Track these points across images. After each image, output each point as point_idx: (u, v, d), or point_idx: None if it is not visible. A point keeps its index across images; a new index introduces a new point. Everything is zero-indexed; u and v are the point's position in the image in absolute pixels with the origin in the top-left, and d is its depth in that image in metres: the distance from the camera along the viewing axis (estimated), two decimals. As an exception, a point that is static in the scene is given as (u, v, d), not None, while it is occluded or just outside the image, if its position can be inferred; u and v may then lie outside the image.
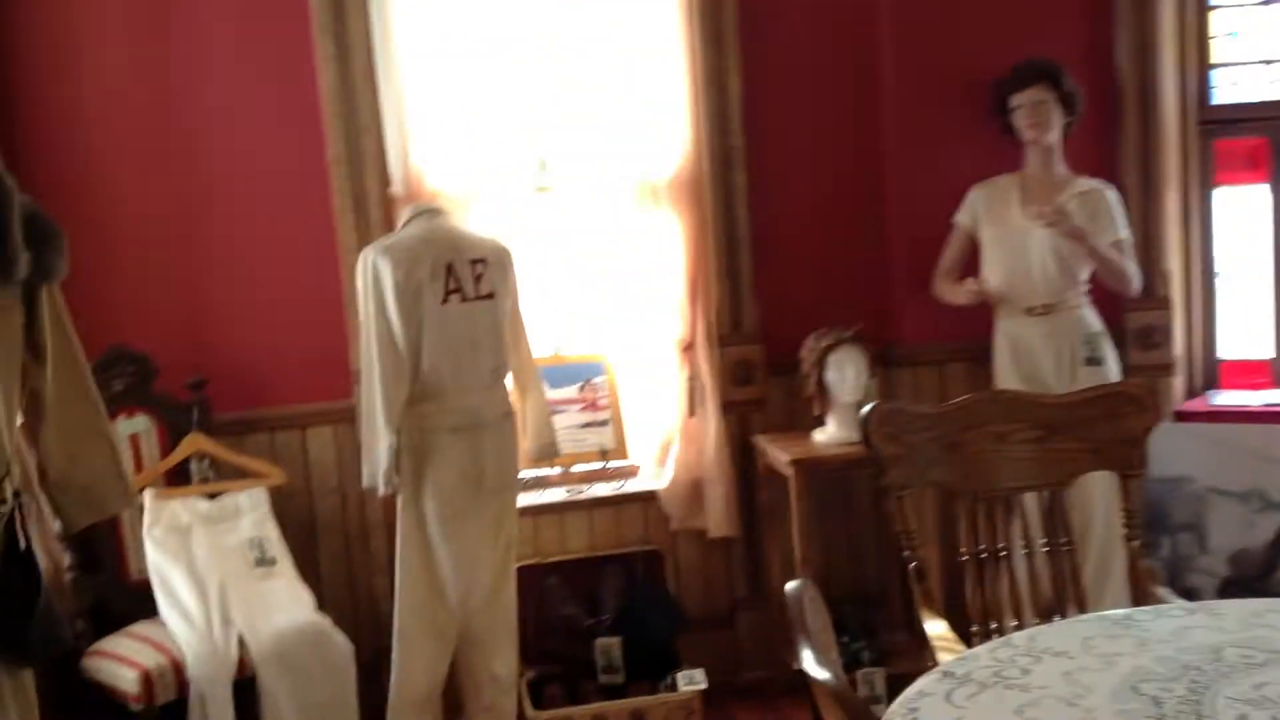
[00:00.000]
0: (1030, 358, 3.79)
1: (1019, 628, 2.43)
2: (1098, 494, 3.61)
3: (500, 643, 3.53)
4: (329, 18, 3.69)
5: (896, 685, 2.65)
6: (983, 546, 2.55)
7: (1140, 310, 4.07)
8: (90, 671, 3.26)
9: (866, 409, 2.54)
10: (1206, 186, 4.19)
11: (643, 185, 3.95)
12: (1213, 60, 4.18)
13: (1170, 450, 3.82)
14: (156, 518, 3.45)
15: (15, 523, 2.00)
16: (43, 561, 2.16)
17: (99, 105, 3.67)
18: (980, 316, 3.88)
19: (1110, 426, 2.58)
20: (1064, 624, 2.11)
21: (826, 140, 4.09)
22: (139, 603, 3.41)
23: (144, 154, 3.70)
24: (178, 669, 3.15)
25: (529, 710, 3.66)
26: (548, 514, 3.99)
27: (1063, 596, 2.57)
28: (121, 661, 3.18)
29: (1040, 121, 3.77)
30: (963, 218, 3.92)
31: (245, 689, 3.21)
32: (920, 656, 2.50)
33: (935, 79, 4.02)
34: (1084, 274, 3.80)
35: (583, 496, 4.02)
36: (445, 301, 3.34)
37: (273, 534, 3.56)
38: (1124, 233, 3.82)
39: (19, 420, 2.16)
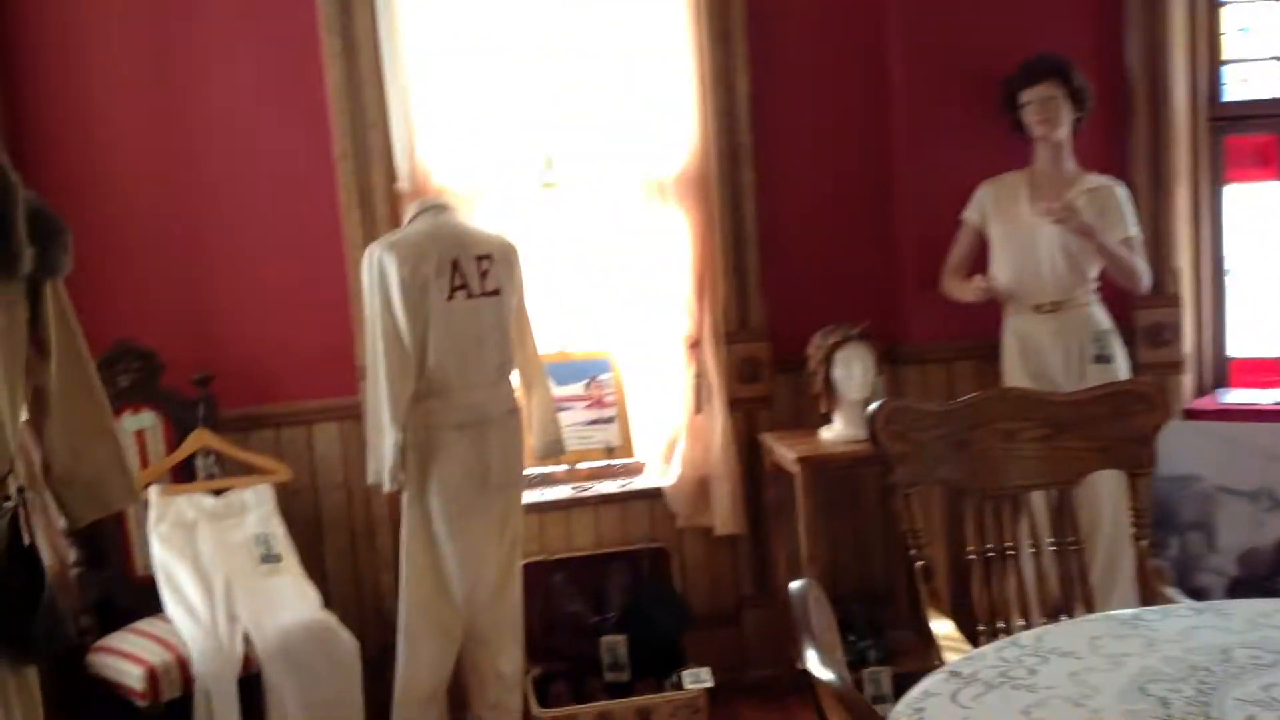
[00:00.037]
0: (1039, 355, 3.77)
1: (1026, 627, 2.42)
2: (1106, 493, 3.59)
3: (505, 640, 3.52)
4: (335, 14, 3.68)
5: (903, 684, 2.64)
6: (990, 545, 2.54)
7: (1150, 308, 4.05)
8: (96, 668, 3.26)
9: (873, 406, 2.52)
10: (1217, 183, 4.17)
11: (650, 182, 3.94)
12: (1223, 56, 4.15)
13: (1179, 449, 3.80)
14: (162, 514, 3.44)
15: (19, 519, 2.00)
16: (48, 557, 2.17)
17: (106, 101, 3.67)
18: (988, 314, 3.87)
19: (1119, 425, 2.56)
20: (1071, 624, 2.10)
21: (834, 137, 4.07)
22: (144, 599, 3.41)
23: (150, 150, 3.70)
24: (183, 665, 3.15)
25: (534, 708, 3.65)
26: (553, 511, 3.99)
27: (1070, 596, 2.56)
28: (127, 658, 3.18)
29: (1050, 118, 3.75)
30: (971, 214, 3.90)
31: (250, 686, 3.20)
32: (927, 655, 2.48)
33: (944, 75, 4.00)
34: (1093, 271, 3.78)
35: (588, 494, 4.01)
36: (451, 298, 3.33)
37: (278, 530, 3.56)
38: (1133, 230, 3.80)
39: (24, 416, 2.16)
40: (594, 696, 3.75)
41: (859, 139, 4.08)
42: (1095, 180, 3.82)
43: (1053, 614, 2.54)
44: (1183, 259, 4.12)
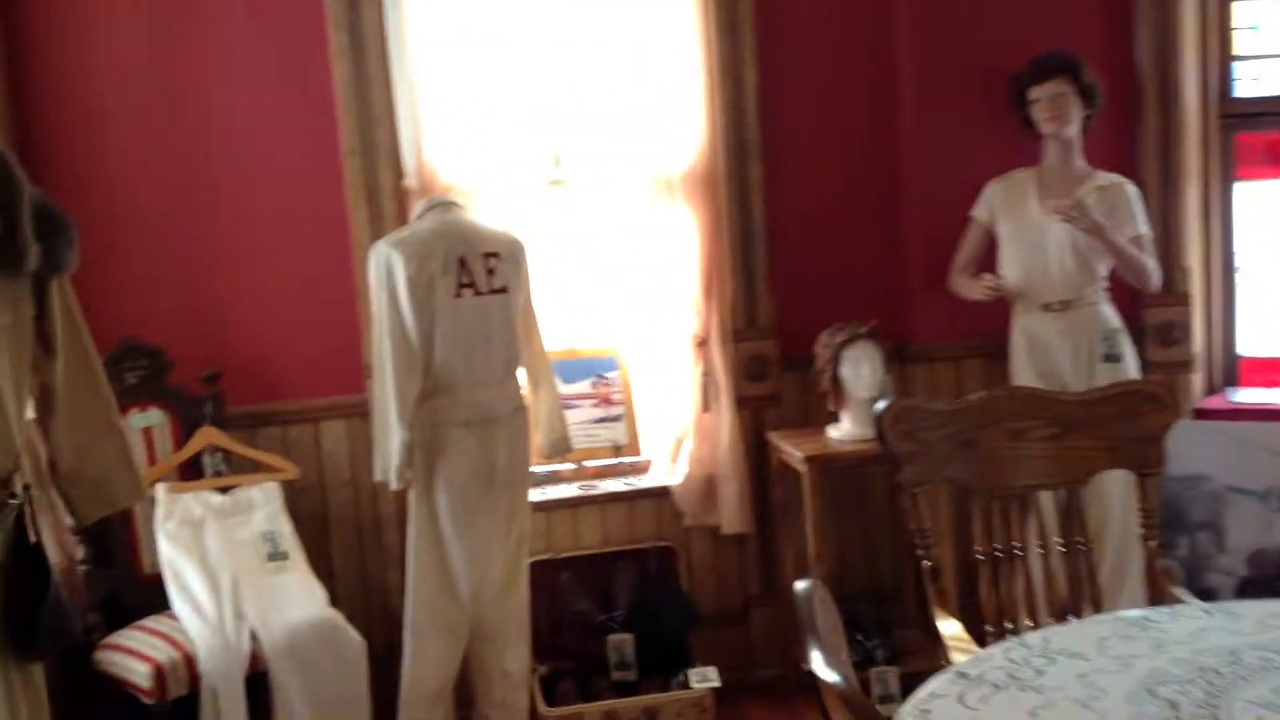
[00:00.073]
0: (1047, 354, 3.76)
1: (1034, 628, 2.41)
2: (1115, 492, 3.57)
3: (512, 638, 3.52)
4: (343, 10, 3.67)
5: (910, 683, 2.63)
6: (998, 545, 2.53)
7: (1159, 306, 4.03)
8: (103, 665, 3.26)
9: (880, 405, 2.51)
10: (1227, 181, 4.15)
11: (657, 179, 3.93)
12: (1234, 53, 4.13)
13: (1189, 448, 3.78)
14: (169, 511, 3.45)
15: (25, 517, 2.00)
16: (56, 555, 2.17)
17: (113, 98, 3.67)
18: (997, 312, 3.85)
19: (1128, 424, 2.55)
20: (1079, 625, 2.09)
21: (843, 133, 4.06)
22: (151, 596, 3.41)
23: (157, 147, 3.70)
24: (190, 663, 3.15)
25: (541, 706, 3.65)
26: (560, 509, 3.99)
27: (1078, 596, 2.55)
28: (134, 655, 3.18)
29: (1059, 115, 3.73)
30: (980, 212, 3.89)
31: (257, 683, 3.20)
32: (935, 655, 2.47)
33: (953, 71, 3.99)
34: (1102, 269, 3.76)
35: (595, 492, 4.01)
36: (458, 295, 3.33)
37: (285, 528, 3.56)
38: (1143, 228, 3.78)
39: (30, 414, 2.16)
40: (600, 695, 3.75)
41: (867, 135, 4.07)
42: (1105, 178, 3.81)
43: (1061, 615, 2.52)
44: (1193, 257, 4.10)
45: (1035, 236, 3.75)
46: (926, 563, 2.52)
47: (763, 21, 3.92)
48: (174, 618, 3.32)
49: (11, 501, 1.96)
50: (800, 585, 1.71)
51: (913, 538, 2.53)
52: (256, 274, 3.78)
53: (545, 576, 3.86)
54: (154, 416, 3.62)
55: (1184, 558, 3.86)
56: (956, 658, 2.28)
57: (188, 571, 3.37)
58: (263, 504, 3.57)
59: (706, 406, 4.00)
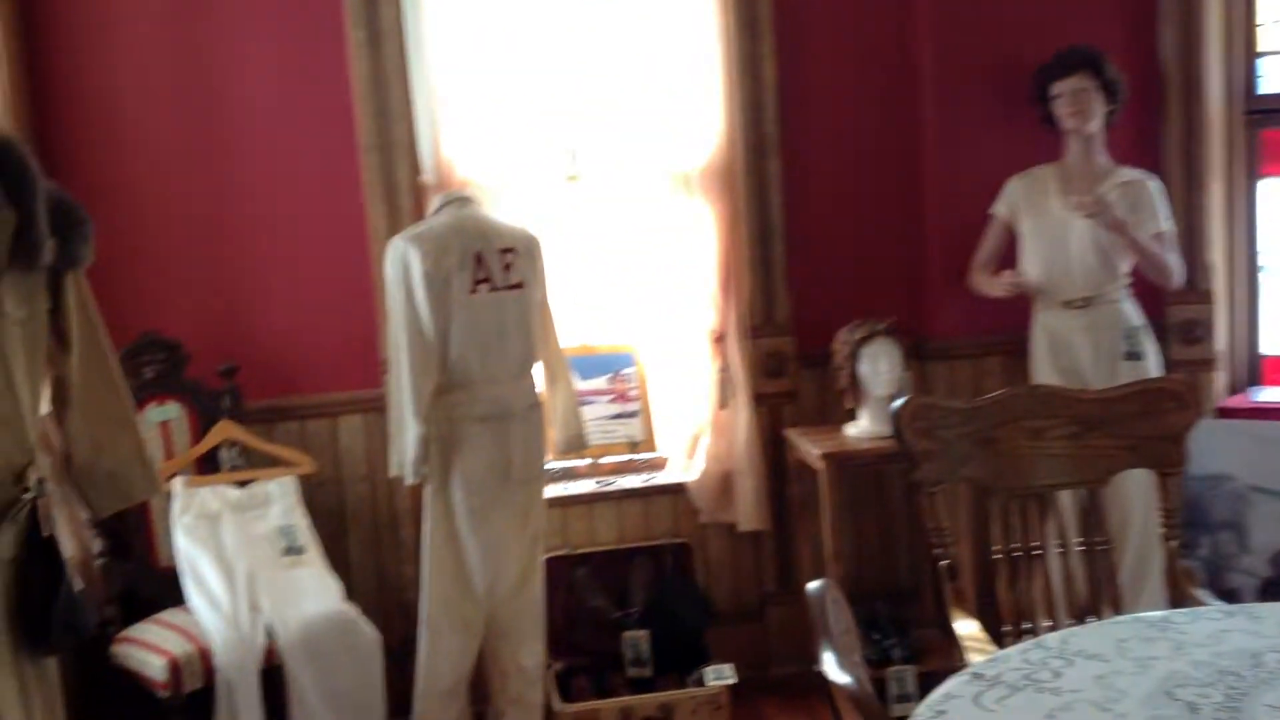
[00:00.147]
0: (1068, 352, 3.73)
1: (1053, 628, 2.39)
2: (1136, 492, 3.54)
3: (527, 634, 3.52)
4: (361, 6, 3.67)
5: (928, 683, 2.62)
6: (1016, 545, 2.51)
7: (1182, 304, 4.00)
8: (119, 658, 3.27)
9: (898, 403, 2.49)
10: (1251, 178, 4.11)
11: (674, 174, 3.91)
12: (1259, 48, 4.08)
13: (1211, 447, 3.75)
14: (186, 505, 3.46)
15: (39, 511, 2.00)
16: (74, 548, 2.18)
17: (132, 95, 3.68)
18: (1017, 309, 3.82)
19: (1149, 423, 2.52)
20: (1098, 626, 2.06)
21: (862, 128, 4.03)
22: (168, 590, 3.42)
23: (176, 142, 3.71)
24: (205, 657, 3.15)
25: (556, 702, 3.64)
26: (576, 505, 3.98)
27: (1098, 597, 2.52)
28: (150, 649, 3.19)
29: (1081, 110, 3.70)
30: (1001, 208, 3.86)
31: (272, 677, 3.21)
32: (953, 654, 2.46)
33: (974, 66, 3.96)
34: (1124, 266, 3.73)
35: (612, 488, 4.00)
36: (474, 291, 3.32)
37: (302, 522, 3.57)
38: (1166, 224, 3.74)
39: (46, 408, 2.17)
40: (616, 692, 3.74)
41: (887, 130, 4.04)
42: (1127, 174, 3.77)
43: (1080, 615, 2.50)
44: (1216, 254, 4.06)
45: (1057, 233, 3.72)
46: (943, 562, 2.50)
47: (782, 16, 3.90)
48: (190, 611, 3.32)
49: (25, 496, 1.96)
50: (812, 586, 1.69)
51: (930, 536, 2.51)
52: (274, 269, 3.79)
53: (561, 572, 3.86)
54: (171, 410, 3.63)
55: (1205, 558, 3.82)
56: (973, 658, 2.26)
57: (204, 565, 3.37)
58: (279, 498, 3.58)
59: (723, 403, 3.98)
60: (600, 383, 4.09)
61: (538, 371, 3.55)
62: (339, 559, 3.72)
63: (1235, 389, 4.14)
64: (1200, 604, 2.33)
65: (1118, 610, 2.49)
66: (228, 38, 3.70)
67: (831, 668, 1.55)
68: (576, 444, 3.65)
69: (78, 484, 2.22)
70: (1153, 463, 2.55)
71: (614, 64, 3.93)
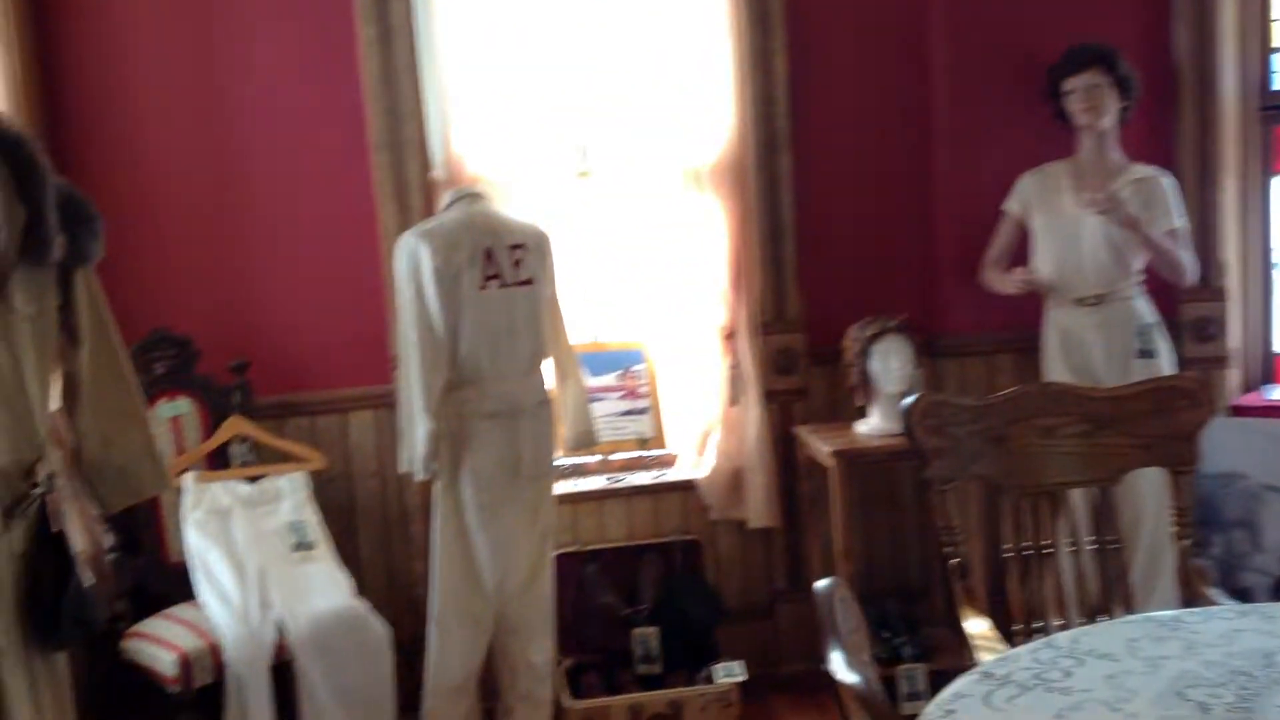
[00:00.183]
0: (1081, 349, 3.71)
1: (1064, 627, 2.37)
2: (1148, 490, 3.52)
3: (537, 630, 3.52)
4: (372, 4, 3.67)
5: (938, 681, 2.61)
6: (1028, 543, 2.49)
7: (1195, 301, 3.98)
8: (130, 653, 3.28)
9: (908, 400, 2.48)
10: (1266, 174, 4.08)
11: (685, 170, 3.90)
12: (1274, 44, 4.05)
13: (1224, 445, 3.73)
14: (197, 500, 3.46)
15: (49, 506, 2.00)
16: (84, 543, 2.17)
17: (144, 92, 3.68)
18: (1030, 307, 3.81)
19: (1162, 421, 2.51)
20: (1109, 625, 2.05)
21: (874, 124, 4.02)
22: (178, 585, 3.43)
23: (187, 138, 3.71)
24: (215, 652, 3.16)
25: (566, 698, 3.64)
26: (586, 502, 3.98)
27: (1109, 596, 2.51)
28: (160, 644, 3.19)
29: (1094, 106, 3.68)
30: (1013, 205, 3.84)
31: (282, 673, 3.22)
32: (963, 652, 2.44)
33: (987, 62, 3.94)
34: (1137, 264, 3.71)
35: (621, 485, 4.00)
36: (484, 287, 3.32)
37: (312, 518, 3.57)
38: (1179, 221, 3.72)
39: (56, 404, 2.17)
40: (625, 688, 3.74)
41: (899, 127, 4.02)
42: (1141, 171, 3.75)
43: (1091, 614, 2.49)
44: (1230, 252, 4.04)
45: (1069, 230, 3.70)
46: (953, 560, 2.49)
47: (793, 11, 3.88)
48: (200, 607, 3.33)
49: (34, 491, 1.97)
50: (820, 585, 1.68)
51: (940, 534, 2.49)
52: (285, 265, 3.79)
53: (571, 569, 3.86)
54: (182, 406, 3.64)
55: (1218, 557, 3.80)
56: (983, 657, 2.26)
57: (214, 560, 3.38)
58: (290, 494, 3.58)
59: (734, 400, 3.97)
60: (610, 379, 4.08)
61: (547, 368, 3.55)
62: (349, 555, 3.72)
63: (1249, 387, 4.11)
64: (1212, 603, 2.31)
65: (1129, 609, 2.48)
66: (238, 35, 3.70)
67: (839, 667, 1.54)
68: (586, 440, 3.65)
69: (87, 479, 2.22)
70: (1165, 461, 2.54)
71: (624, 59, 3.92)
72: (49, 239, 1.98)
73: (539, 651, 3.53)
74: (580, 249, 4.02)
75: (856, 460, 3.69)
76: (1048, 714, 1.63)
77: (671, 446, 4.11)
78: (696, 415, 4.03)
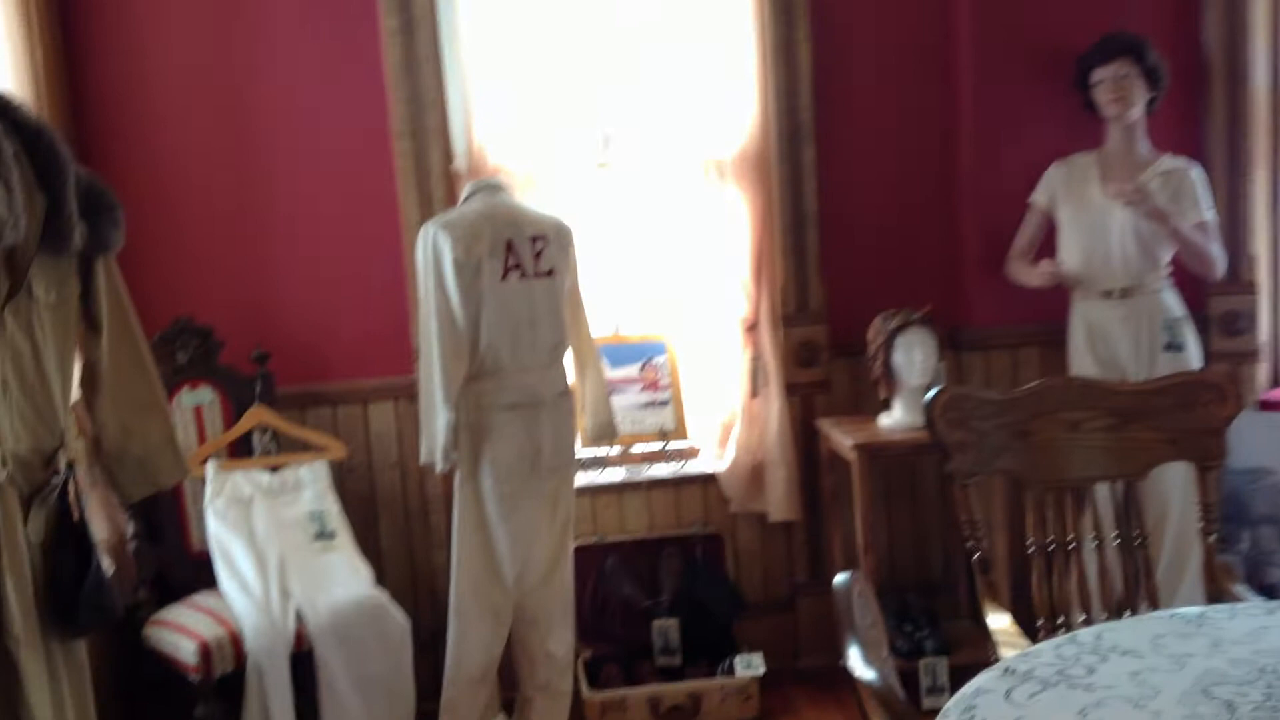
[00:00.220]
0: (1107, 343, 3.67)
1: (1087, 623, 2.35)
2: (1174, 485, 3.49)
3: (556, 622, 3.51)
4: (394, -9, 3.67)
5: (959, 675, 2.58)
6: (1052, 538, 2.47)
7: (1224, 295, 3.93)
8: (151, 641, 3.29)
9: (932, 394, 2.46)
10: (1297, 167, 4.03)
11: (708, 162, 3.88)
12: (1307, 34, 4.00)
13: (1252, 440, 3.68)
14: (218, 489, 3.47)
15: (69, 494, 2.01)
16: (106, 531, 2.18)
17: (166, 80, 3.69)
18: (1056, 299, 3.77)
19: (1189, 416, 2.47)
20: (1133, 621, 2.02)
21: (899, 115, 3.99)
22: (200, 573, 3.45)
23: (209, 128, 3.72)
24: (236, 641, 3.17)
25: (585, 690, 3.64)
26: (606, 494, 3.97)
27: (1134, 592, 2.48)
28: (181, 632, 3.21)
29: (1123, 97, 3.64)
30: (1039, 197, 3.80)
31: (302, 662, 3.22)
32: (985, 647, 2.42)
33: (1014, 52, 3.90)
34: (1165, 256, 3.67)
35: (642, 477, 3.99)
36: (505, 278, 3.31)
37: (333, 508, 3.58)
38: (1208, 214, 3.68)
39: (77, 392, 2.18)
40: (645, 680, 3.74)
41: (924, 117, 3.99)
42: (1169, 162, 3.71)
43: (1115, 610, 2.46)
44: (1260, 244, 3.99)
45: (1096, 222, 3.66)
46: (976, 555, 2.47)
47: (817, 2, 3.85)
48: (221, 595, 3.34)
49: (55, 479, 1.97)
50: (839, 579, 1.66)
51: (963, 529, 2.47)
52: (307, 255, 3.80)
53: (591, 561, 3.85)
54: (205, 395, 3.65)
55: (1245, 553, 3.76)
56: (1005, 652, 2.23)
57: (235, 549, 3.39)
58: (311, 483, 3.59)
59: (755, 392, 3.96)
60: (631, 371, 4.07)
61: (568, 360, 3.54)
62: (370, 545, 3.73)
63: (1278, 381, 4.06)
64: (1239, 600, 2.28)
65: (1154, 606, 2.45)
66: (261, 25, 3.70)
67: (857, 663, 1.52)
68: (607, 433, 3.64)
69: (107, 469, 2.22)
70: (1192, 456, 2.50)
71: (647, 50, 3.89)
72: (69, 228, 1.98)
73: (559, 643, 3.52)
74: (602, 240, 4.01)
75: (879, 454, 3.66)
76: (1070, 711, 1.61)
77: (692, 439, 4.10)
78: (718, 408, 4.02)
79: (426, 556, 3.88)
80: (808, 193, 3.91)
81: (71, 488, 2.01)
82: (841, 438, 3.72)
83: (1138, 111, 3.68)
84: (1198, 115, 3.95)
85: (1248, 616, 1.93)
